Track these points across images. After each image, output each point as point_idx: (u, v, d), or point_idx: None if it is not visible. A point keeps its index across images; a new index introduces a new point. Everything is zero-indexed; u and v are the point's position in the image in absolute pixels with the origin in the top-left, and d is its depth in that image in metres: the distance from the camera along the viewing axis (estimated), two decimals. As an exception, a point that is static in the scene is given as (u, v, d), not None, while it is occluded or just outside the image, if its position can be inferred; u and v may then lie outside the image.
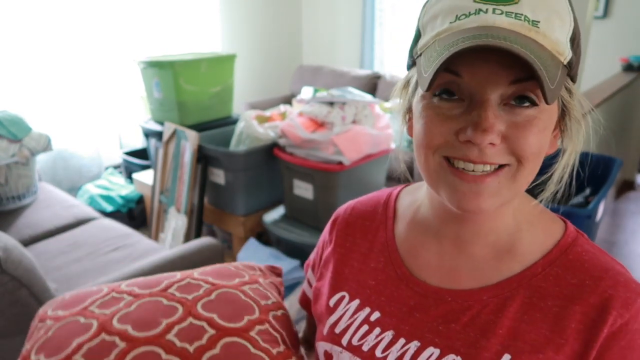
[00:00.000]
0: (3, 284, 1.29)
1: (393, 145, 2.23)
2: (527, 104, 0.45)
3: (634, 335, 0.49)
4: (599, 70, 3.14)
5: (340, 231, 0.67)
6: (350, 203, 0.70)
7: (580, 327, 0.49)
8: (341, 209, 0.70)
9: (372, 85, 3.75)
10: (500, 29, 0.43)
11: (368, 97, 2.23)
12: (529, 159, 0.47)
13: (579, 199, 1.99)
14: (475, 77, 0.45)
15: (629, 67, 3.16)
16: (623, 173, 3.40)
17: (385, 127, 2.20)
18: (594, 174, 1.97)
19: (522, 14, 0.44)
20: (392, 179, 2.52)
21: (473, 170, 0.47)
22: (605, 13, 3.40)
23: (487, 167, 0.47)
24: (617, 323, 0.48)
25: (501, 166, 0.47)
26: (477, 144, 0.45)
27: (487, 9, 0.45)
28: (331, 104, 2.13)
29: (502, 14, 0.44)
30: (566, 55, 0.46)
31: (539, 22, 0.45)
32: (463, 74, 0.45)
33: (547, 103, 0.42)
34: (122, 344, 0.55)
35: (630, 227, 2.98)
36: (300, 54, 4.73)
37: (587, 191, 2.01)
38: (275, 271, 0.83)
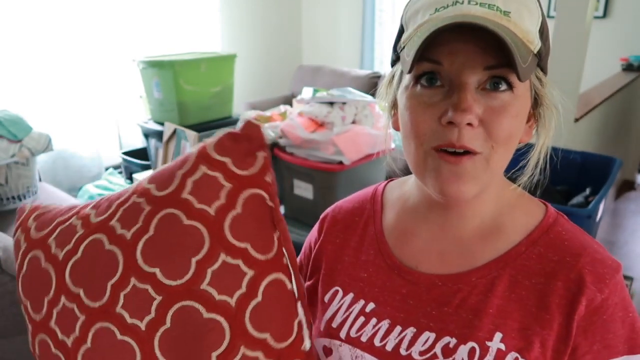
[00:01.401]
0: (3, 284, 1.30)
1: (393, 145, 2.23)
2: (502, 87, 0.49)
3: (614, 309, 0.52)
4: (599, 70, 3.14)
5: (329, 229, 0.69)
6: (338, 203, 0.72)
7: (563, 302, 0.51)
8: (329, 209, 0.72)
9: (372, 85, 3.75)
10: (475, 17, 0.47)
11: (368, 97, 2.24)
12: (501, 144, 0.50)
13: (579, 198, 1.99)
14: (454, 64, 0.48)
15: (629, 67, 3.16)
16: (623, 173, 3.40)
17: (385, 127, 2.20)
18: (594, 174, 1.97)
19: (494, 5, 0.48)
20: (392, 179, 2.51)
21: (454, 152, 0.50)
22: (605, 13, 3.40)
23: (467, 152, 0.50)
24: (597, 299, 0.51)
25: (475, 153, 0.50)
26: (457, 124, 0.48)
27: (463, 1, 0.48)
28: (331, 104, 2.13)
29: (476, 4, 0.48)
30: (536, 44, 0.50)
31: (509, 12, 0.48)
32: (443, 61, 0.49)
33: (519, 79, 0.46)
34: (82, 317, 0.55)
35: (630, 227, 2.98)
36: (300, 54, 4.73)
37: (587, 191, 2.01)
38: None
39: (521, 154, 0.58)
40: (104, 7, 3.20)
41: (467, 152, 0.49)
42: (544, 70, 0.54)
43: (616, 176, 1.93)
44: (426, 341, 0.54)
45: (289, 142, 2.10)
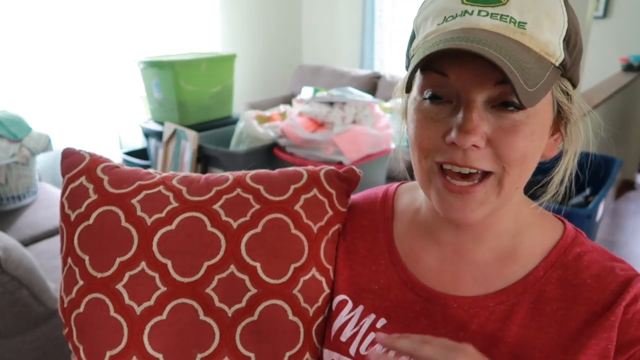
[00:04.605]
0: (3, 284, 1.29)
1: (393, 145, 2.23)
2: (512, 107, 0.45)
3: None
4: (599, 70, 3.14)
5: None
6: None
7: (591, 328, 0.49)
8: None
9: (372, 85, 3.75)
10: (482, 31, 0.43)
11: (368, 97, 2.24)
12: (513, 165, 0.46)
13: (579, 199, 1.99)
14: (461, 78, 0.45)
15: (629, 67, 3.16)
16: (623, 173, 3.40)
17: (385, 127, 2.20)
18: (594, 174, 1.97)
19: (508, 16, 0.44)
20: (392, 179, 2.52)
21: (460, 172, 0.47)
22: (605, 13, 3.40)
23: (473, 171, 0.46)
24: (629, 314, 0.48)
25: (486, 174, 0.47)
26: (460, 146, 0.45)
27: (472, 11, 0.44)
28: (331, 104, 2.13)
29: (487, 15, 0.44)
30: (557, 56, 0.46)
31: (525, 23, 0.44)
32: (449, 74, 0.45)
33: (522, 106, 0.42)
34: (163, 289, 0.56)
35: (630, 227, 2.98)
36: (300, 54, 4.73)
37: (587, 191, 2.00)
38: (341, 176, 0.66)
39: (546, 169, 0.54)
40: (104, 7, 3.20)
41: (474, 173, 0.46)
42: (572, 81, 0.49)
43: (616, 176, 1.93)
44: None
45: (289, 142, 2.10)
